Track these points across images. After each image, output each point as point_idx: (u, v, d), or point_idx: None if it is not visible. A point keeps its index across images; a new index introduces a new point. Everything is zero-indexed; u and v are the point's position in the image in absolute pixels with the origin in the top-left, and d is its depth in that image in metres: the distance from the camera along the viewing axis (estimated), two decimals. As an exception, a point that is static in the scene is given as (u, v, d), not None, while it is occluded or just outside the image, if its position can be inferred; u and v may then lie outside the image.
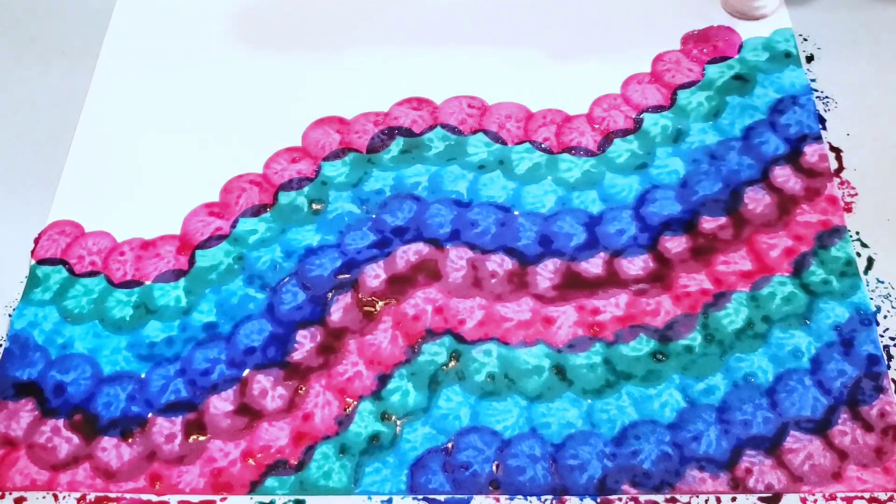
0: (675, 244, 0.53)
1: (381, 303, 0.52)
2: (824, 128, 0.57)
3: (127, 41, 0.65)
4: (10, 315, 0.53)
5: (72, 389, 0.50)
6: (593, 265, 0.52)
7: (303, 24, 0.65)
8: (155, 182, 0.58)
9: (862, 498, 0.44)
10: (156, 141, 0.60)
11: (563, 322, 0.50)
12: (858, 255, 0.51)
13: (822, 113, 0.57)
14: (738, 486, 0.45)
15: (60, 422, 0.49)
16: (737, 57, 0.60)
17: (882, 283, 0.50)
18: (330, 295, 0.52)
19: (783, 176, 0.55)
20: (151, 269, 0.54)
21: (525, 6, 0.65)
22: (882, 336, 0.49)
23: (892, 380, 0.47)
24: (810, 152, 0.55)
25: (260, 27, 0.65)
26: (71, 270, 0.54)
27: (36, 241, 0.56)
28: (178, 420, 0.49)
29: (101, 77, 0.63)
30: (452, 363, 0.49)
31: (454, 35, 0.64)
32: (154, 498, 0.47)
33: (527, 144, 0.58)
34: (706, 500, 0.45)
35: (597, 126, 0.58)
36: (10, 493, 0.47)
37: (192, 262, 0.54)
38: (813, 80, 0.59)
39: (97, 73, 0.63)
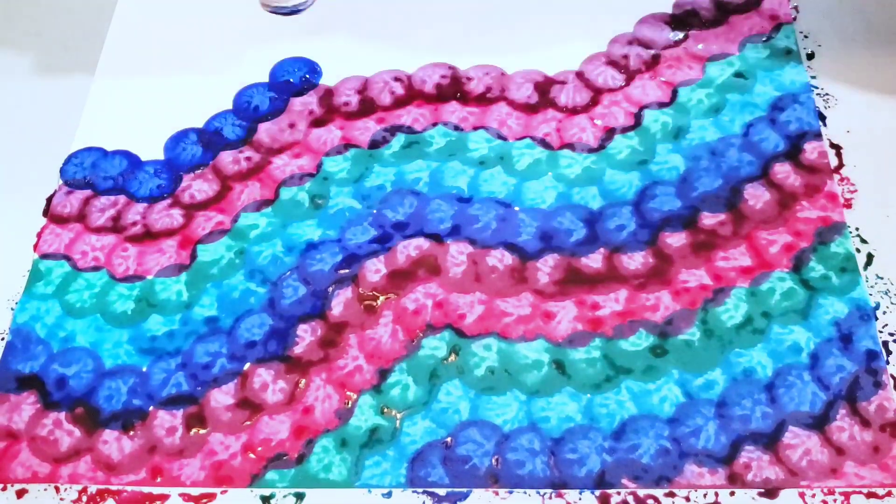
0: (674, 240, 0.53)
1: (381, 297, 0.52)
2: (824, 125, 0.57)
3: (127, 45, 0.65)
4: (12, 309, 0.54)
5: (73, 383, 0.50)
6: (593, 260, 0.52)
7: (305, 24, 0.65)
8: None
9: (860, 493, 0.44)
10: (156, 143, 0.60)
11: (562, 317, 0.50)
12: (858, 251, 0.52)
13: (822, 110, 0.57)
14: (736, 480, 0.45)
15: (62, 415, 0.49)
16: (738, 55, 0.60)
17: (881, 279, 0.51)
18: (331, 289, 0.52)
19: (783, 173, 0.55)
20: (153, 263, 0.55)
21: (527, 7, 0.65)
22: (881, 332, 0.49)
23: (891, 375, 0.47)
24: (810, 149, 0.56)
25: (266, 27, 0.65)
26: (73, 265, 0.55)
27: (38, 236, 0.56)
28: (179, 413, 0.49)
29: (102, 75, 0.63)
30: (452, 357, 0.50)
31: (456, 39, 0.64)
32: (155, 490, 0.47)
33: (527, 140, 0.58)
34: (704, 495, 0.45)
35: (597, 122, 0.58)
36: (12, 486, 0.48)
37: (193, 256, 0.55)
38: (813, 77, 0.59)
39: (98, 71, 0.64)
